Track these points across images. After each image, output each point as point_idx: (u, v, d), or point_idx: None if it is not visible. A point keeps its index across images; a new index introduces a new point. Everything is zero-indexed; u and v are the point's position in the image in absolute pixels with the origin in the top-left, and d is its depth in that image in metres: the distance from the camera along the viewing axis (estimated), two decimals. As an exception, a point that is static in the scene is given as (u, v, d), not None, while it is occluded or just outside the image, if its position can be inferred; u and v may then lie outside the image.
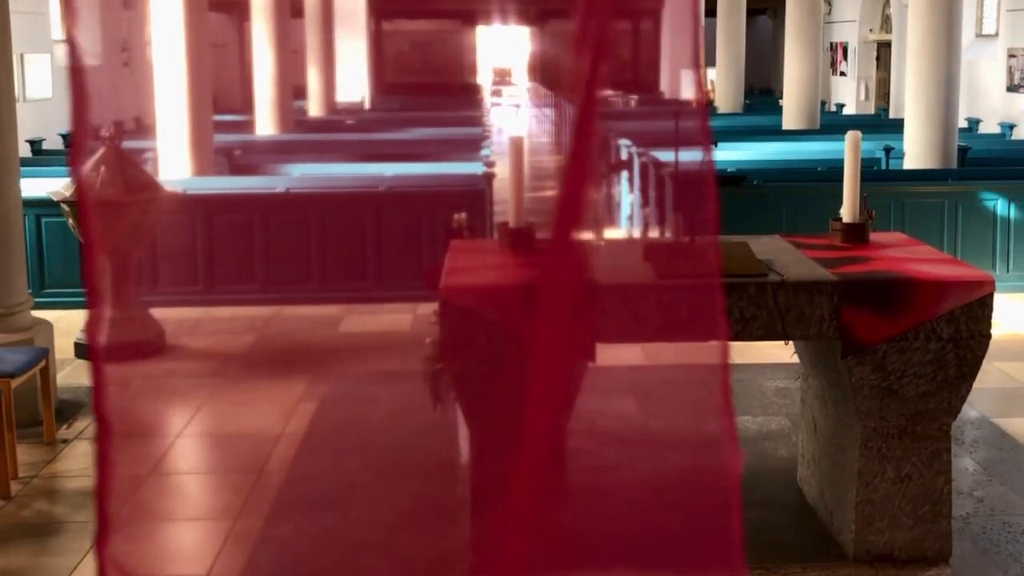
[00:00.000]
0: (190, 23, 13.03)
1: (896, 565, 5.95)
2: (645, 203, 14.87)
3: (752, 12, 31.11)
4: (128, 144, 11.16)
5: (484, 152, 15.62)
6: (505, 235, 6.15)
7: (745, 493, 6.95)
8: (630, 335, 5.82)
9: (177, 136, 13.24)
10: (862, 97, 29.51)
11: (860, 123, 21.85)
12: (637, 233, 15.06)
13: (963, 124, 19.29)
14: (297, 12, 23.45)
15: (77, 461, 7.74)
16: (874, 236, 6.64)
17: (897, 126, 17.29)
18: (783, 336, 5.81)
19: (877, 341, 5.73)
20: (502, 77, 42.59)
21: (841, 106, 28.50)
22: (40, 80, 18.90)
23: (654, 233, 13.91)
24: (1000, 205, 12.38)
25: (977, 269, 6.14)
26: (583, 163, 2.31)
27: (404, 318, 11.25)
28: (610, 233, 15.55)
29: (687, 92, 31.71)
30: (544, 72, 42.74)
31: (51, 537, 6.56)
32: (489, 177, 12.79)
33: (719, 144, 16.18)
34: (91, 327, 2.27)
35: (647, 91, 35.12)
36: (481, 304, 5.47)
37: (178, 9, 12.97)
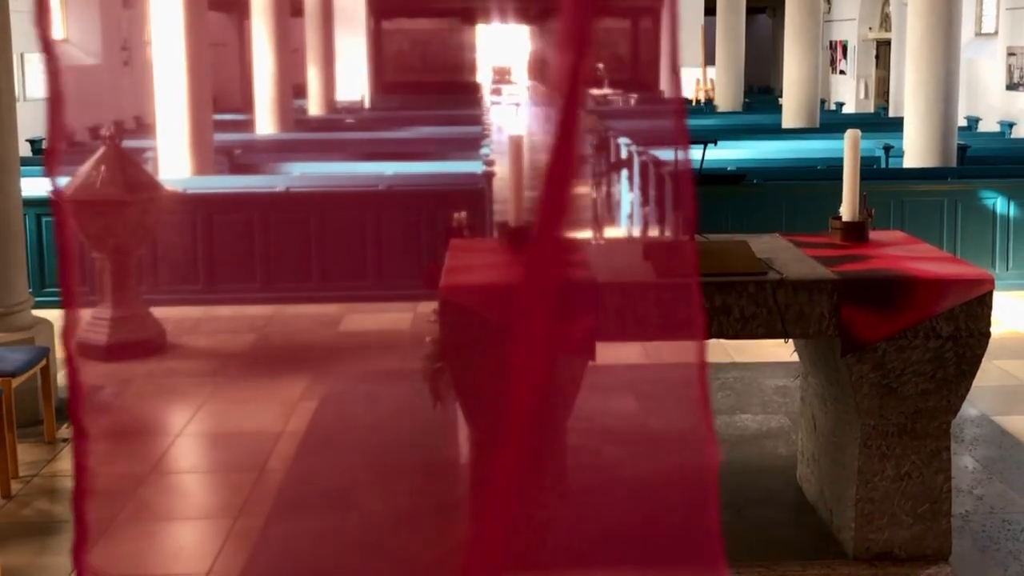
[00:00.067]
0: (190, 22, 13.03)
1: (896, 563, 5.96)
2: (645, 202, 14.87)
3: (752, 11, 31.11)
4: (128, 143, 11.19)
5: (484, 151, 15.63)
6: (505, 234, 6.16)
7: (745, 491, 7.01)
8: (630, 334, 5.83)
9: (177, 135, 13.25)
10: (861, 95, 29.52)
11: (859, 121, 21.85)
12: (637, 232, 15.07)
13: (962, 122, 19.29)
14: (297, 11, 23.45)
15: (78, 460, 7.74)
16: (874, 234, 6.65)
17: (896, 124, 17.29)
18: (783, 334, 5.82)
19: (877, 339, 5.74)
20: (502, 76, 42.55)
21: (841, 104, 28.50)
22: (40, 80, 18.87)
23: (654, 232, 13.92)
24: (999, 203, 12.39)
25: (976, 267, 6.15)
26: (566, 159, 2.31)
27: (404, 317, 11.26)
28: (610, 232, 15.55)
29: (687, 91, 31.71)
30: (544, 71, 42.73)
31: (52, 536, 6.57)
32: (489, 176, 12.79)
33: (719, 142, 16.18)
34: (67, 332, 2.22)
35: (647, 90, 35.13)
36: (481, 303, 5.47)
37: (178, 8, 12.98)
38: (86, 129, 19.67)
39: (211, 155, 13.78)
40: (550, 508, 5.64)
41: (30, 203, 10.06)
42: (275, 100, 19.73)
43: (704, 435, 2.74)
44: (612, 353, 8.82)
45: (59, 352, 9.09)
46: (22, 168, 9.04)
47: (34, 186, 10.98)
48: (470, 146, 17.18)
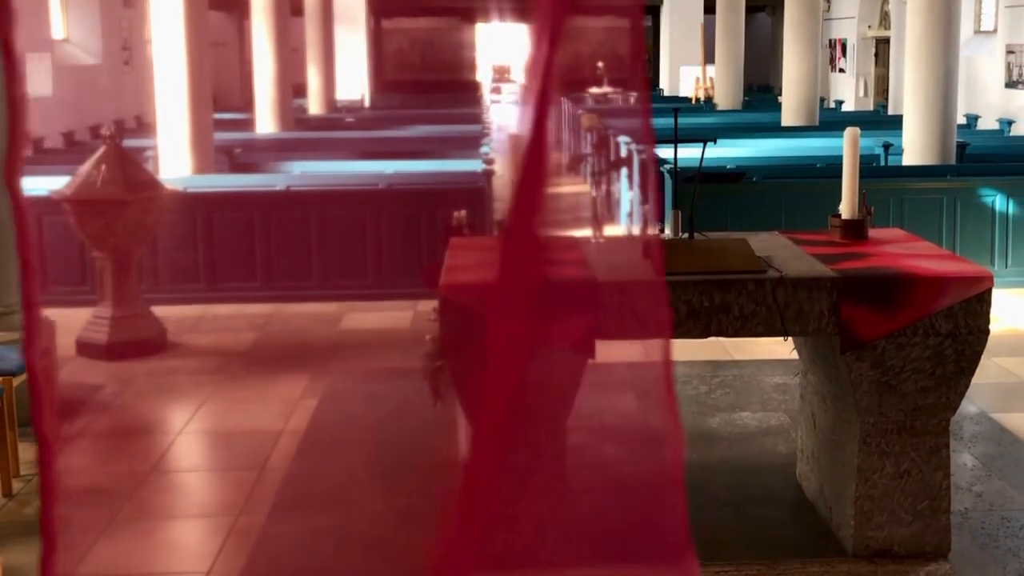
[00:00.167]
0: (190, 22, 13.05)
1: (895, 560, 5.97)
2: (644, 200, 14.88)
3: (751, 9, 31.11)
4: (129, 143, 11.21)
5: (484, 149, 15.63)
6: (504, 233, 6.16)
7: (744, 489, 7.03)
8: (630, 332, 5.84)
9: (178, 134, 13.26)
10: (861, 94, 29.52)
11: (859, 119, 21.84)
12: (636, 230, 15.08)
13: (961, 120, 19.28)
14: (297, 10, 23.47)
15: (79, 459, 7.76)
16: (873, 232, 6.66)
17: (896, 122, 17.29)
18: (782, 332, 5.84)
19: (876, 337, 5.75)
20: (501, 74, 42.59)
21: (840, 103, 28.50)
22: (40, 79, 18.91)
23: (653, 230, 13.92)
24: (999, 201, 12.40)
25: (975, 265, 6.15)
26: (538, 154, 2.32)
27: (404, 315, 11.28)
28: (610, 230, 15.56)
29: (687, 89, 31.71)
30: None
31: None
32: (489, 174, 12.81)
33: (718, 141, 16.20)
34: (28, 341, 2.17)
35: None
36: (481, 301, 5.48)
37: (178, 8, 12.99)
38: (87, 128, 19.69)
39: (211, 154, 13.79)
40: (549, 506, 5.65)
41: (31, 202, 10.06)
42: (275, 99, 19.74)
43: (671, 431, 2.74)
44: (612, 351, 8.83)
45: (60, 351, 9.12)
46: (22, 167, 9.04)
47: (35, 185, 11.01)
48: (470, 145, 17.20)
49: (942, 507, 6.01)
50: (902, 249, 6.33)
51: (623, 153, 16.48)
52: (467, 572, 2.25)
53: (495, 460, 2.40)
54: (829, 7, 31.04)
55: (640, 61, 2.78)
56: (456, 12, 39.64)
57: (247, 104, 23.12)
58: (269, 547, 6.36)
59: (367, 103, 30.56)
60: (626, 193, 16.25)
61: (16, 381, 7.48)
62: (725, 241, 6.21)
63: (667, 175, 13.03)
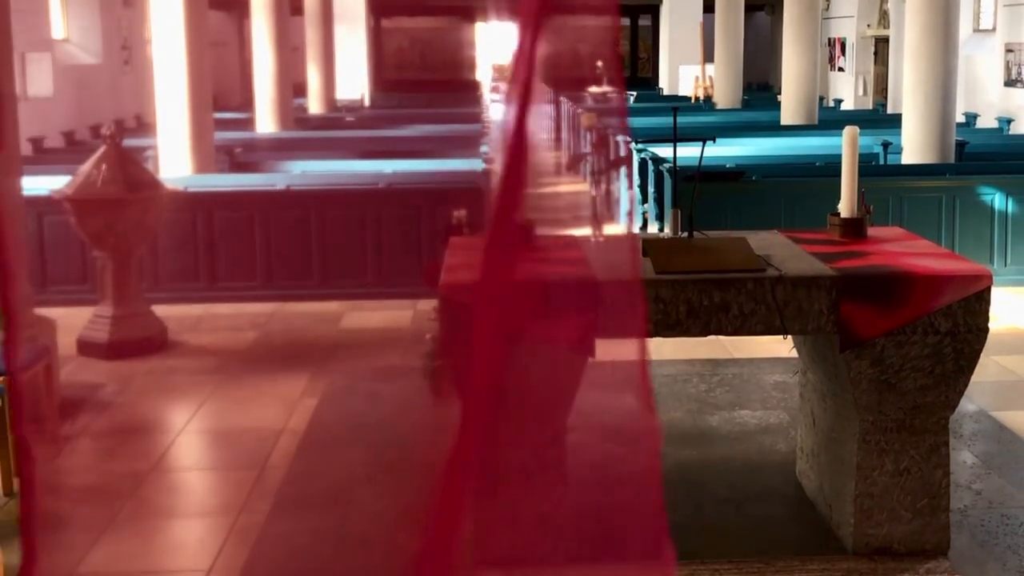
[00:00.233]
0: (190, 21, 13.06)
1: (895, 558, 5.99)
2: (644, 199, 14.90)
3: (750, 8, 31.11)
4: (129, 142, 11.22)
5: (483, 148, 15.65)
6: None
7: (744, 487, 7.05)
8: (629, 330, 5.85)
9: (178, 134, 13.27)
10: (860, 92, 29.52)
11: (858, 118, 21.84)
12: (636, 228, 15.10)
13: (961, 119, 19.28)
14: (297, 9, 23.48)
15: (80, 457, 7.78)
16: (872, 231, 6.68)
17: (895, 121, 17.30)
18: (782, 331, 5.85)
19: (875, 335, 5.77)
20: (501, 74, 42.59)
21: (839, 101, 28.49)
22: (41, 79, 18.93)
23: (653, 228, 13.96)
24: (998, 199, 12.41)
25: (974, 263, 6.17)
26: (520, 152, 2.34)
27: (404, 314, 11.29)
28: (609, 228, 15.57)
29: (687, 88, 31.71)
30: (543, 69, 42.64)
31: (54, 533, 6.59)
32: (488, 173, 12.82)
33: (718, 140, 16.21)
34: (7, 345, 2.12)
35: (646, 87, 35.20)
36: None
37: (178, 7, 13.00)
38: (87, 128, 19.71)
39: (211, 154, 13.81)
40: (551, 504, 5.67)
41: (31, 202, 10.09)
42: (275, 98, 19.75)
43: (647, 427, 2.77)
44: (611, 349, 8.83)
45: (61, 350, 9.13)
46: (23, 166, 9.06)
47: (36, 184, 11.02)
48: (470, 144, 17.21)
49: (941, 505, 6.03)
50: (901, 248, 6.35)
51: (623, 152, 16.47)
52: (448, 567, 2.26)
53: (475, 455, 2.41)
54: (828, 6, 31.04)
55: (616, 58, 2.81)
56: (456, 11, 39.64)
57: (247, 103, 23.13)
58: (269, 546, 6.38)
59: (367, 102, 30.56)
60: (625, 191, 16.26)
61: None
62: (724, 240, 6.23)
63: (667, 174, 13.05)
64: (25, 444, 2.16)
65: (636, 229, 15.07)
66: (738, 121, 21.99)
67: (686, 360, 9.64)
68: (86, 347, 10.07)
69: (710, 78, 28.36)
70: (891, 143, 15.21)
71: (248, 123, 20.32)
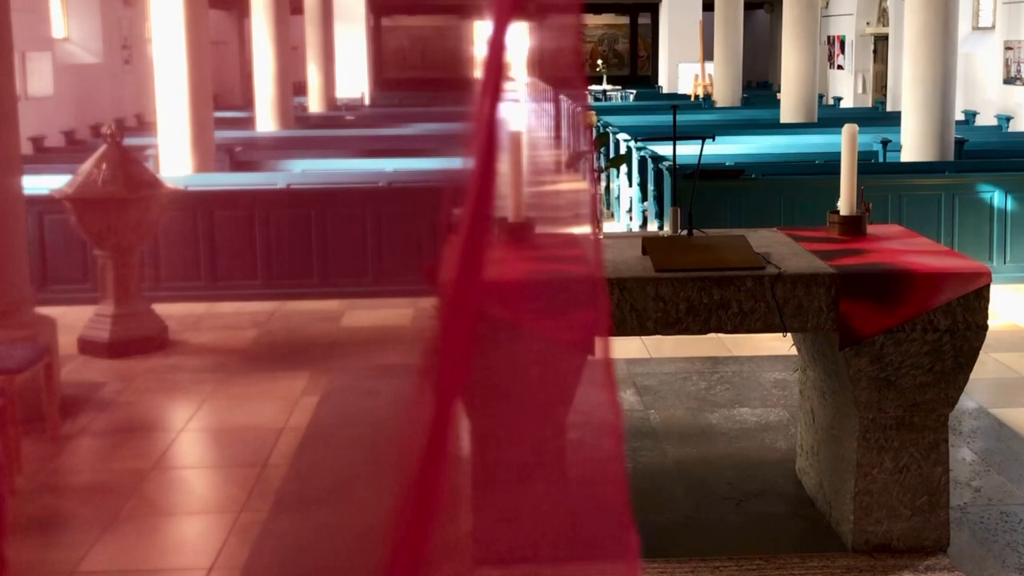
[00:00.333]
0: (190, 21, 13.07)
1: (894, 555, 6.00)
2: (644, 197, 14.92)
3: (750, 6, 31.14)
4: (129, 141, 11.22)
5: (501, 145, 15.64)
6: (504, 230, 6.20)
7: (744, 484, 7.07)
8: (629, 328, 5.86)
9: (178, 133, 13.29)
10: (859, 90, 29.53)
11: (857, 116, 21.88)
12: (636, 227, 15.13)
13: (960, 117, 19.30)
14: (297, 9, 23.50)
15: (81, 456, 7.80)
16: (871, 228, 6.69)
17: (894, 119, 17.33)
18: (781, 328, 5.86)
19: (874, 333, 5.78)
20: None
21: (839, 99, 28.52)
22: (41, 78, 18.94)
23: (652, 227, 13.97)
24: (997, 197, 12.42)
25: (973, 261, 6.18)
26: (491, 141, 2.36)
27: (405, 313, 11.30)
28: (609, 227, 15.61)
29: (686, 86, 31.74)
30: (543, 67, 42.71)
31: (56, 532, 6.61)
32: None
33: (717, 138, 16.23)
34: None
35: (645, 85, 35.23)
36: (481, 298, 5.50)
37: (178, 7, 13.02)
38: (87, 127, 19.72)
39: (212, 152, 13.83)
40: (550, 502, 5.68)
41: (32, 201, 10.09)
42: (275, 97, 19.77)
43: (611, 424, 2.78)
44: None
45: (61, 349, 9.15)
46: (24, 166, 9.07)
47: (36, 183, 11.03)
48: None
49: (941, 502, 6.04)
50: (900, 245, 6.36)
51: (623, 150, 16.49)
52: (421, 561, 2.27)
53: (446, 450, 2.42)
54: (827, 4, 31.06)
55: (578, 56, 2.83)
56: (455, 10, 39.66)
57: (247, 102, 23.16)
58: (271, 544, 6.39)
59: (367, 101, 30.60)
60: (625, 190, 16.28)
61: (19, 379, 7.50)
62: (724, 238, 6.25)
63: (666, 172, 13.07)
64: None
65: (636, 227, 15.09)
66: (737, 119, 22.01)
67: (686, 358, 9.66)
68: (87, 346, 10.08)
69: (709, 76, 28.38)
70: (890, 141, 15.23)
71: (248, 122, 20.34)
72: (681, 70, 33.24)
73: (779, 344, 7.42)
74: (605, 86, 32.73)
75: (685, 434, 7.92)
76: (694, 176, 7.08)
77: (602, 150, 17.63)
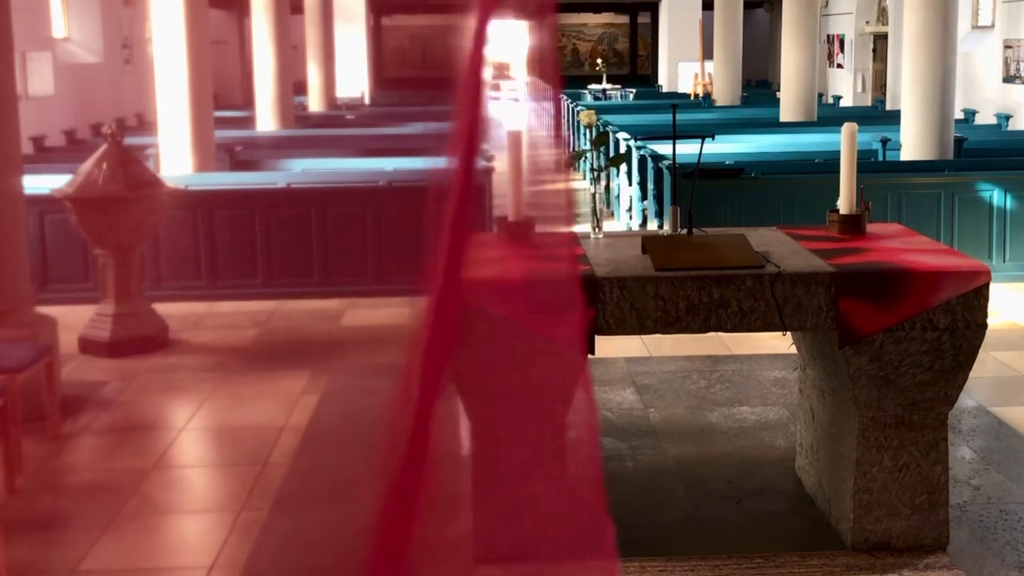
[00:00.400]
0: (191, 20, 13.08)
1: (894, 553, 6.01)
2: (643, 196, 14.93)
3: (749, 5, 31.14)
4: (130, 141, 11.23)
5: (483, 146, 15.64)
6: (504, 229, 6.21)
7: (744, 482, 7.08)
8: (629, 327, 5.87)
9: (179, 132, 13.30)
10: (859, 89, 29.53)
11: (857, 115, 21.89)
12: (635, 226, 15.14)
13: (959, 115, 19.31)
14: (297, 8, 23.50)
15: (82, 455, 7.81)
16: (871, 227, 6.70)
17: (894, 118, 17.33)
18: (781, 327, 5.87)
19: (874, 331, 5.79)
20: (501, 71, 42.62)
21: (838, 98, 28.52)
22: (42, 77, 18.95)
23: (652, 225, 13.98)
24: (996, 195, 12.43)
25: (973, 259, 6.18)
26: (473, 139, 2.38)
27: (405, 312, 11.30)
28: (609, 226, 15.61)
29: (686, 85, 31.75)
30: (543, 66, 42.68)
31: (57, 531, 6.62)
32: (488, 171, 12.84)
33: (717, 137, 16.24)
34: None
35: (645, 84, 35.24)
36: (481, 297, 5.52)
37: (179, 6, 13.03)
38: (88, 127, 19.73)
39: (212, 152, 13.83)
40: (550, 500, 5.69)
41: (33, 200, 10.11)
42: (276, 97, 19.78)
43: (585, 436, 2.79)
44: (611, 346, 8.89)
45: (62, 348, 9.16)
46: (25, 165, 9.08)
47: (37, 183, 11.04)
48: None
49: (940, 500, 6.05)
50: (900, 244, 6.37)
51: (622, 149, 16.50)
52: (403, 560, 2.28)
53: (427, 450, 2.43)
54: (827, 3, 31.06)
55: (553, 55, 2.84)
56: (455, 9, 39.61)
57: (248, 102, 23.16)
58: (271, 542, 6.40)
59: (367, 100, 30.60)
60: (624, 189, 16.29)
61: (19, 378, 7.51)
62: (724, 237, 6.26)
63: (666, 171, 13.07)
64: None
65: (636, 226, 15.10)
66: (737, 118, 22.02)
67: (686, 356, 9.67)
68: (88, 345, 10.10)
69: (709, 75, 28.39)
70: (890, 139, 15.24)
71: (249, 121, 20.35)
72: (681, 69, 33.24)
73: (779, 343, 7.42)
74: (605, 85, 32.71)
75: (685, 433, 7.94)
76: (694, 175, 7.09)
77: (602, 149, 17.64)
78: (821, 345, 6.25)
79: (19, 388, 7.48)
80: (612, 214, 17.08)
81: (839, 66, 31.00)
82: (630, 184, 15.90)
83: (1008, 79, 21.49)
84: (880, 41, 28.72)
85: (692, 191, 6.56)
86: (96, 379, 9.41)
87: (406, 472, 2.31)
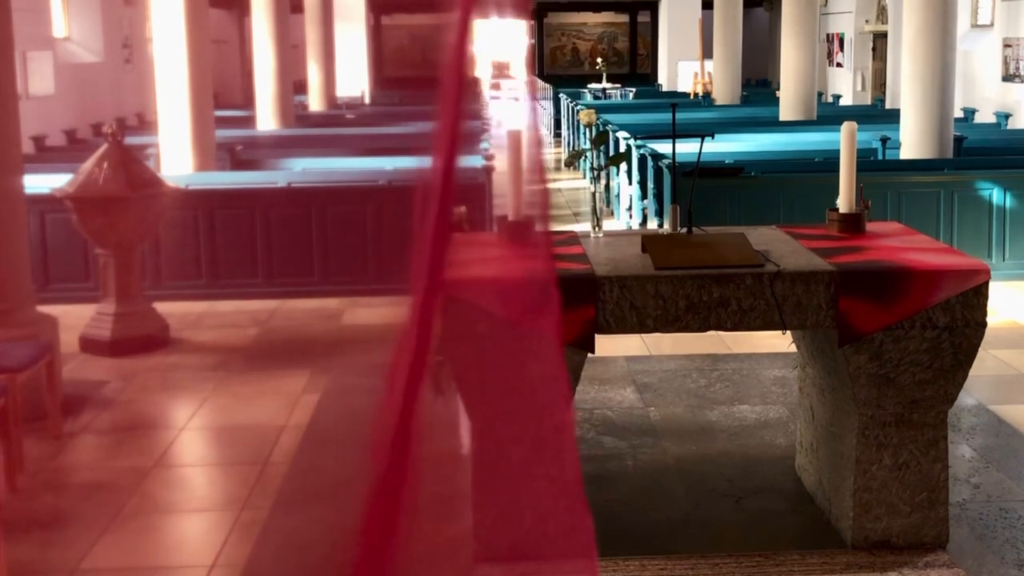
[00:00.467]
0: (191, 20, 13.09)
1: (894, 551, 6.02)
2: (643, 195, 14.94)
3: (749, 4, 31.14)
4: (130, 140, 11.24)
5: (483, 145, 15.67)
6: (505, 228, 6.22)
7: (744, 481, 7.09)
8: (629, 326, 5.88)
9: (179, 132, 13.31)
10: (858, 88, 29.53)
11: (856, 114, 21.90)
12: (635, 225, 15.14)
13: (959, 114, 19.32)
14: (297, 7, 23.50)
15: (83, 455, 7.82)
16: (870, 226, 6.70)
17: (893, 116, 17.34)
18: (781, 326, 5.88)
19: (874, 330, 5.80)
20: (501, 70, 42.63)
21: (838, 97, 28.52)
22: (42, 77, 18.95)
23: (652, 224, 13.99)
24: (995, 194, 12.44)
25: (972, 258, 6.19)
26: (454, 138, 2.39)
27: (405, 311, 11.29)
28: (609, 225, 15.61)
29: (685, 84, 31.76)
30: (543, 65, 42.80)
31: (58, 531, 6.63)
32: (488, 170, 12.85)
33: (716, 136, 16.24)
34: None
35: (645, 83, 35.24)
36: (481, 296, 5.53)
37: (179, 6, 13.03)
38: (88, 126, 19.73)
39: (213, 151, 13.84)
40: (550, 498, 5.70)
41: (33, 200, 10.12)
42: (276, 96, 19.79)
43: (564, 438, 2.80)
44: (611, 344, 8.90)
45: (63, 347, 9.16)
46: (25, 164, 9.09)
47: (38, 182, 11.05)
48: (470, 140, 17.22)
49: (940, 498, 6.06)
50: (899, 242, 6.38)
51: (622, 148, 16.51)
52: (388, 559, 2.28)
53: (411, 449, 2.44)
54: (827, 1, 31.06)
55: (530, 54, 2.85)
56: (455, 8, 39.61)
57: (248, 101, 23.16)
58: (273, 540, 6.41)
59: (367, 99, 30.60)
60: (624, 188, 16.29)
61: (20, 378, 7.52)
62: (723, 235, 6.27)
63: (666, 170, 13.08)
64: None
65: (636, 225, 15.11)
66: (737, 117, 22.03)
67: (685, 355, 9.68)
68: (88, 344, 10.11)
69: (709, 74, 28.39)
70: (889, 138, 15.25)
71: (249, 121, 20.35)
72: (680, 68, 33.24)
73: (778, 341, 7.43)
74: (604, 84, 32.72)
75: (685, 431, 7.95)
76: (693, 174, 7.10)
77: (602, 148, 17.65)
78: (821, 344, 6.26)
79: (20, 387, 7.49)
80: (612, 213, 17.09)
81: (839, 65, 31.00)
82: (630, 183, 15.91)
83: (1007, 78, 21.49)
84: (880, 40, 28.72)
85: (692, 190, 6.57)
86: (97, 378, 9.42)
87: (390, 471, 2.32)
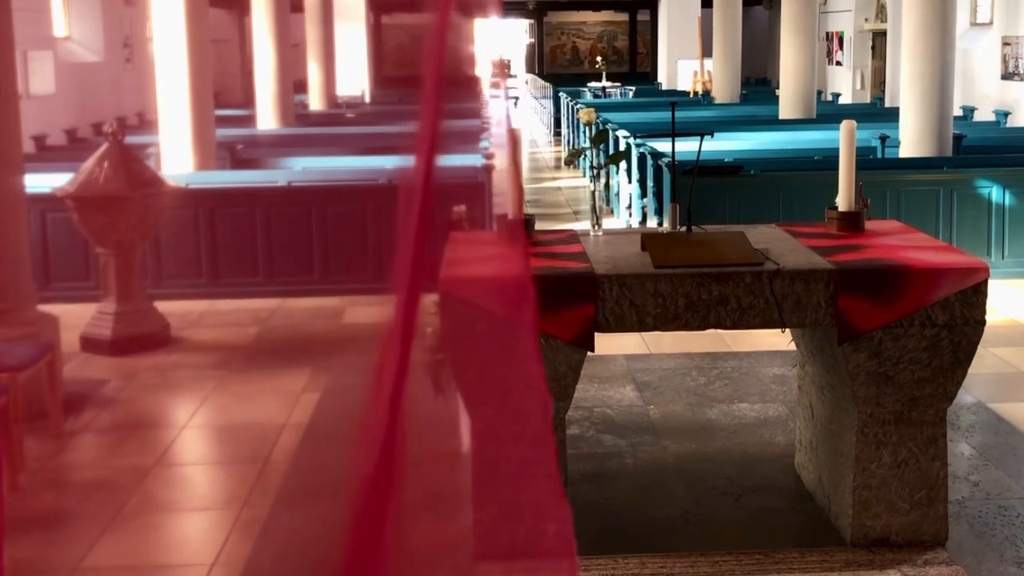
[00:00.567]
0: (191, 19, 13.10)
1: (893, 549, 6.03)
2: (643, 193, 14.95)
3: (748, 2, 31.15)
4: (131, 140, 11.25)
5: (483, 144, 15.68)
6: (504, 227, 6.23)
7: (743, 479, 7.10)
8: (628, 324, 5.89)
9: (179, 131, 13.31)
10: (858, 86, 29.54)
11: (856, 112, 21.91)
12: (635, 223, 15.15)
13: (958, 112, 19.32)
14: (297, 7, 23.51)
15: (84, 453, 7.83)
16: (870, 224, 6.71)
17: (893, 115, 17.34)
18: (780, 324, 5.88)
19: (873, 328, 5.81)
20: (501, 70, 42.66)
21: (837, 95, 28.53)
22: (43, 76, 18.96)
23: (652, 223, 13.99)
24: (995, 192, 12.45)
25: (971, 256, 6.20)
26: (434, 137, 2.40)
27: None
28: (608, 223, 15.62)
29: (685, 83, 31.77)
30: (542, 64, 42.83)
31: (59, 529, 6.64)
32: (488, 169, 12.86)
33: (716, 134, 16.25)
34: None
35: (644, 82, 35.24)
36: (480, 295, 5.54)
37: (179, 5, 13.04)
38: (89, 125, 19.74)
39: (213, 150, 13.84)
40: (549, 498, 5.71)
41: (34, 199, 10.13)
42: (276, 95, 19.79)
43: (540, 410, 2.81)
44: (611, 343, 8.91)
45: (64, 346, 9.17)
46: (26, 164, 9.10)
47: (38, 182, 11.06)
48: (469, 139, 17.22)
49: (939, 496, 6.07)
50: (898, 241, 6.39)
51: (622, 147, 16.51)
52: (378, 557, 2.29)
53: (399, 446, 2.44)
54: (826, 0, 31.07)
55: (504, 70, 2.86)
56: (456, 7, 39.65)
57: (248, 100, 23.17)
58: (273, 538, 6.42)
59: (367, 98, 30.61)
60: (624, 186, 16.30)
61: (21, 376, 7.53)
62: (723, 234, 6.28)
63: (665, 169, 13.09)
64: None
65: (635, 223, 15.12)
66: (736, 115, 22.05)
67: (685, 353, 9.69)
68: (89, 343, 10.12)
69: (708, 72, 28.40)
70: (889, 136, 15.25)
71: (249, 120, 20.36)
72: (680, 66, 33.26)
73: (778, 339, 7.44)
74: (604, 83, 32.74)
75: (684, 429, 7.96)
76: (693, 172, 7.10)
77: (601, 147, 17.67)
78: (820, 342, 6.27)
79: (21, 386, 7.50)
80: (612, 211, 17.10)
81: (838, 63, 31.02)
82: (630, 182, 15.92)
83: (1006, 76, 21.50)
84: (879, 38, 28.73)
85: (691, 188, 6.58)
86: (98, 377, 9.43)
87: (377, 469, 2.32)
